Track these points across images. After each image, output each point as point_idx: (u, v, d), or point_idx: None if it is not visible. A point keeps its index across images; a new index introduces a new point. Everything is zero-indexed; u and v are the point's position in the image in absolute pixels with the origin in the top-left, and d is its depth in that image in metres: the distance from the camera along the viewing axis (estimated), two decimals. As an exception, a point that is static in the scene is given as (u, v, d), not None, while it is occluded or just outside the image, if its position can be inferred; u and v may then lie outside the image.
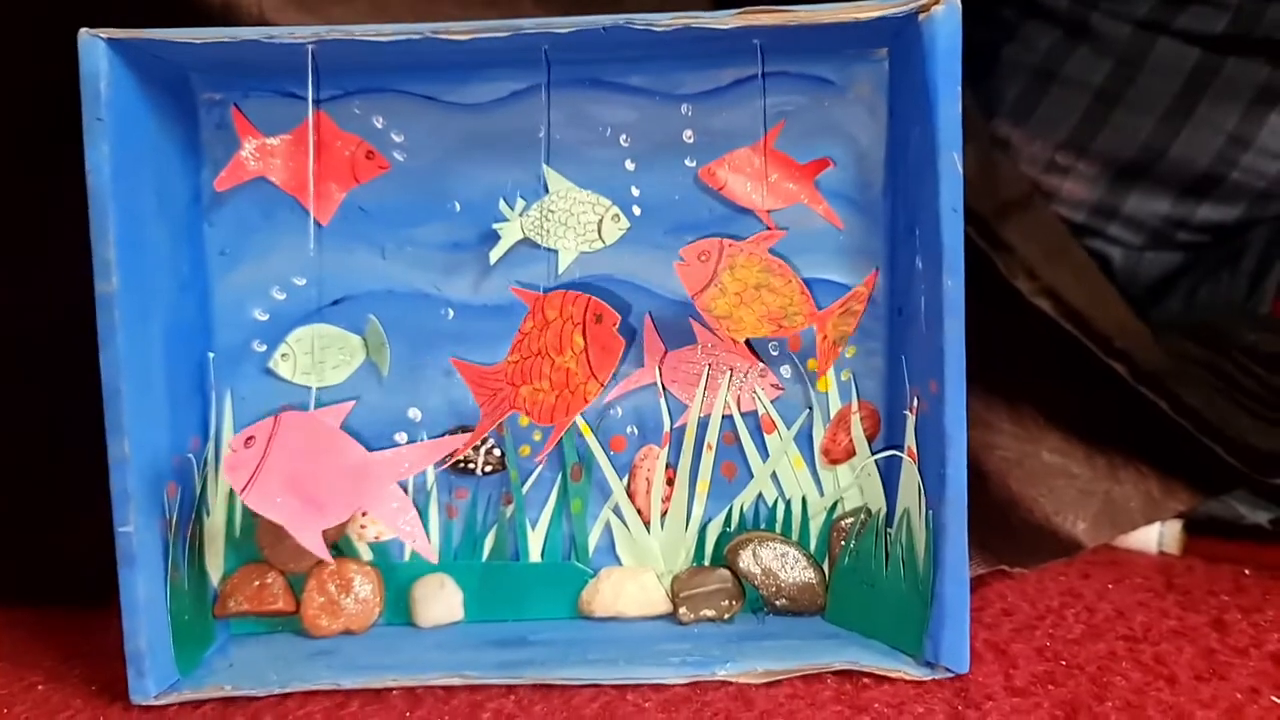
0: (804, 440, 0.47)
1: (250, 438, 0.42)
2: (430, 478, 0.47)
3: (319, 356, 0.46)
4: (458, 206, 0.46)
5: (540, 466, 0.48)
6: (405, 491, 0.46)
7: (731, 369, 0.47)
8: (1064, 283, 0.56)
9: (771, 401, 0.47)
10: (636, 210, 0.46)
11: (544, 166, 0.45)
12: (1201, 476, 0.55)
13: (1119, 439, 0.56)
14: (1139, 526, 0.55)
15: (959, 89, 0.39)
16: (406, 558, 0.48)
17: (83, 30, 0.39)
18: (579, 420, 0.47)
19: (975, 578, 0.49)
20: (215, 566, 0.46)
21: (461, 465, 0.47)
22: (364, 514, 0.47)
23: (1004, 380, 0.55)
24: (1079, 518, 0.54)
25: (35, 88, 0.49)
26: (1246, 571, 0.52)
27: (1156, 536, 0.55)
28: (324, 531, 0.45)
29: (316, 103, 0.44)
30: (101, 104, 0.39)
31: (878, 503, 0.46)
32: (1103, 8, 0.59)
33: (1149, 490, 0.55)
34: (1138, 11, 0.59)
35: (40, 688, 0.43)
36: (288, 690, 0.41)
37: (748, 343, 0.46)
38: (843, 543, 0.46)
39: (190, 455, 0.44)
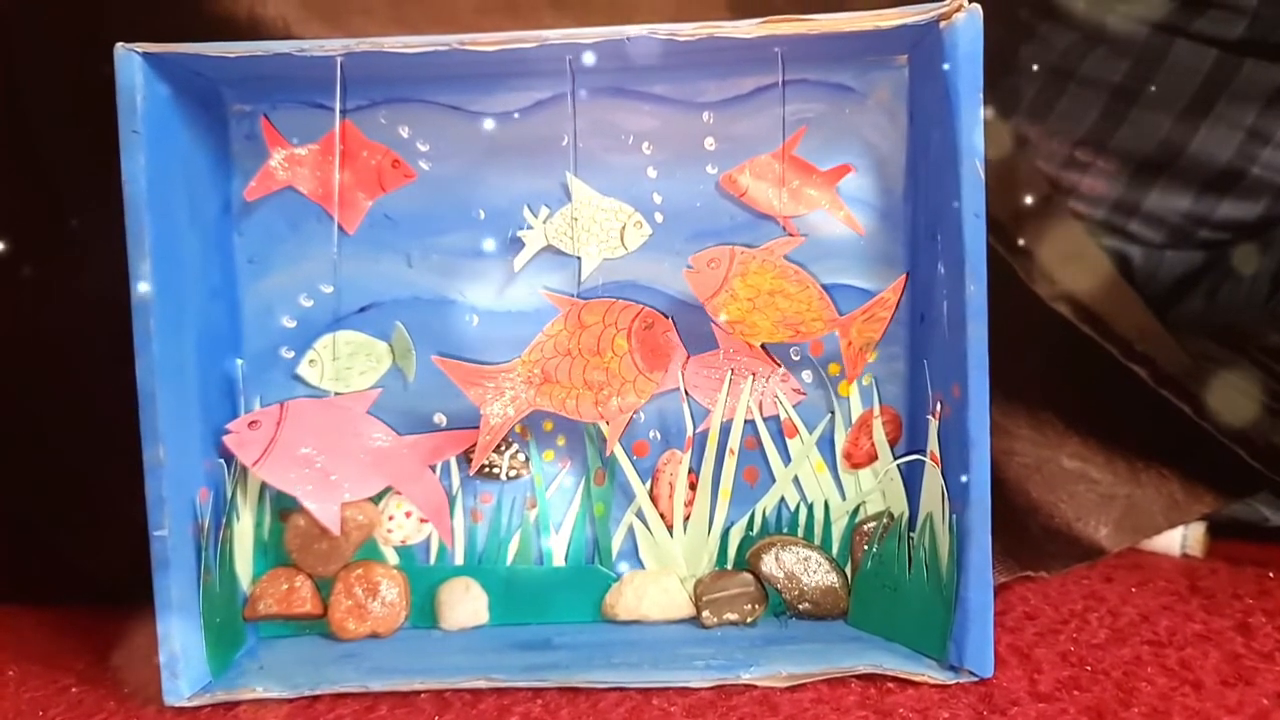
0: (826, 445, 0.48)
1: (255, 421, 0.44)
2: (455, 482, 0.48)
3: (346, 363, 0.47)
4: (482, 214, 0.47)
5: (564, 471, 0.48)
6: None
7: (753, 374, 0.47)
8: (1083, 287, 0.56)
9: (793, 406, 0.47)
10: (659, 217, 0.47)
11: (568, 174, 0.46)
12: (1225, 479, 0.55)
13: (1140, 443, 0.56)
14: (1162, 531, 0.55)
15: (980, 95, 0.39)
16: (432, 561, 0.48)
17: (118, 45, 0.40)
18: (601, 425, 0.47)
19: (998, 584, 0.49)
20: (245, 570, 0.47)
21: (486, 470, 0.48)
22: (390, 518, 0.48)
23: (1023, 386, 0.55)
24: (1100, 523, 0.54)
25: (74, 99, 0.50)
26: (1271, 574, 0.51)
27: (1180, 539, 0.55)
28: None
29: (344, 113, 0.45)
30: (137, 116, 0.40)
31: (900, 507, 0.46)
32: (1120, 10, 0.59)
33: (1172, 493, 0.55)
34: (1155, 14, 0.59)
35: (74, 690, 0.44)
36: (317, 692, 0.42)
37: (764, 348, 0.47)
38: (865, 546, 0.46)
39: (221, 460, 0.45)
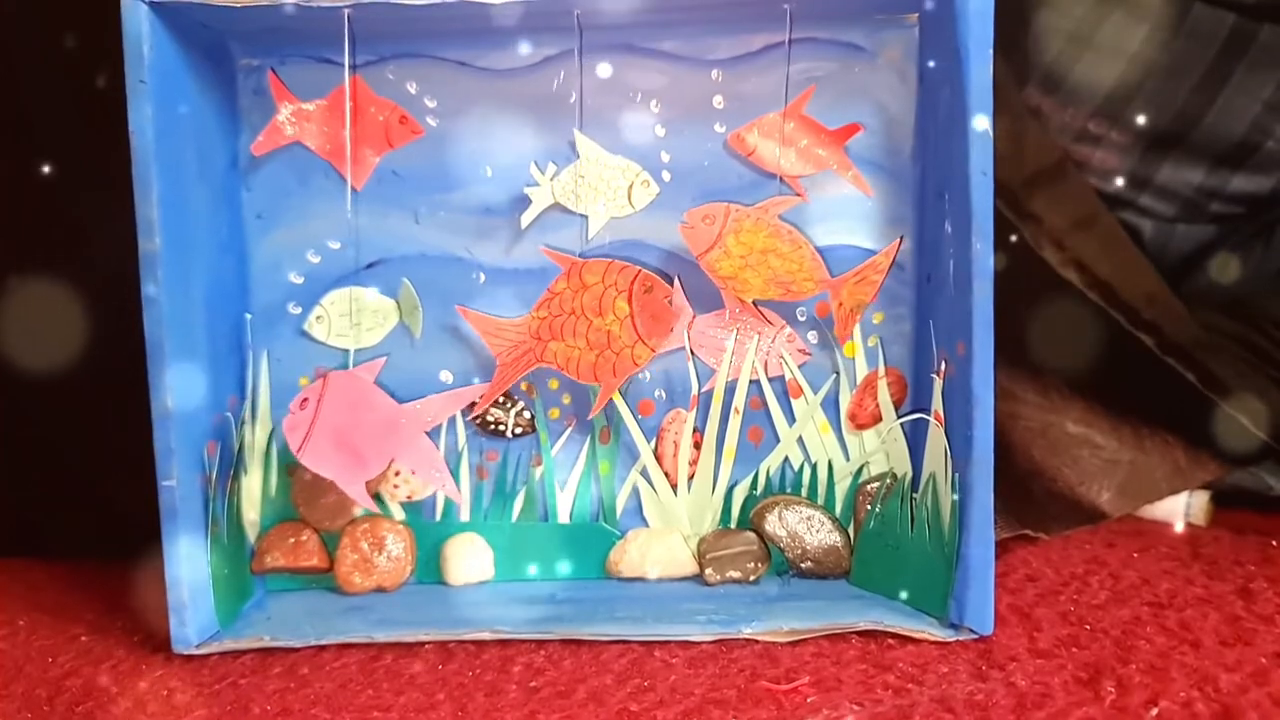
0: (830, 405, 0.48)
1: (304, 399, 0.44)
2: (461, 439, 0.48)
3: (353, 319, 0.47)
4: (489, 171, 0.47)
5: (569, 429, 0.48)
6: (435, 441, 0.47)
7: (759, 334, 0.47)
8: (1092, 253, 0.56)
9: (798, 366, 0.48)
10: (666, 176, 0.46)
11: (575, 132, 0.46)
12: (1229, 447, 0.55)
13: (1145, 410, 0.56)
14: (1164, 497, 0.55)
15: (990, 53, 0.39)
16: (438, 517, 0.49)
17: (125, -7, 0.40)
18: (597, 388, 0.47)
19: (999, 543, 0.49)
20: (252, 523, 0.47)
21: (492, 427, 0.48)
22: (397, 473, 0.48)
23: (1029, 352, 0.55)
24: (1103, 488, 0.54)
25: (81, 52, 0.50)
26: (1274, 542, 0.51)
27: (1183, 507, 0.55)
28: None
29: (352, 68, 0.45)
30: (144, 66, 0.40)
31: (903, 467, 0.46)
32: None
33: (1175, 460, 0.55)
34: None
35: (84, 638, 0.45)
36: (324, 643, 0.42)
37: (756, 305, 0.46)
38: (868, 507, 0.46)
39: (228, 414, 0.45)
